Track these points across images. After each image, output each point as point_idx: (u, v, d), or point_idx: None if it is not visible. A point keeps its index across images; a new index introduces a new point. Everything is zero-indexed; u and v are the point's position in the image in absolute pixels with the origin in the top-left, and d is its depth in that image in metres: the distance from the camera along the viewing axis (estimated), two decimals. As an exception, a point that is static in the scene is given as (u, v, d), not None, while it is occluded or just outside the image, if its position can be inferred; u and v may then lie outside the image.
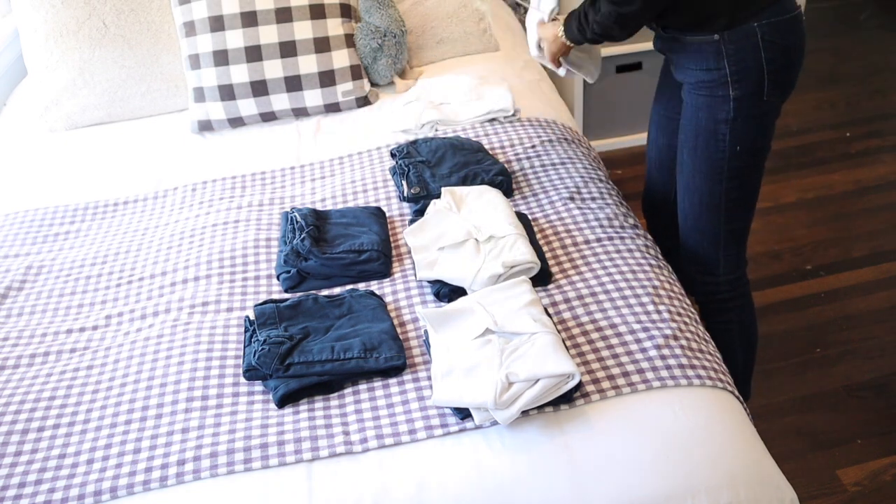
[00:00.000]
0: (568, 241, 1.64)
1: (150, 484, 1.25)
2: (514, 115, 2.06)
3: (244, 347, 1.45)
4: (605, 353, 1.38)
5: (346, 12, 2.22)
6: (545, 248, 1.62)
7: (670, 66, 1.69)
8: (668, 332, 1.41)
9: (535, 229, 1.67)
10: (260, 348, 1.39)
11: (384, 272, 1.61)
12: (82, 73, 2.22)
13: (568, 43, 1.70)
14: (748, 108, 1.54)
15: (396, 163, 1.86)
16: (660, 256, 1.65)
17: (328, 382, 1.37)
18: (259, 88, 2.14)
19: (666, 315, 1.45)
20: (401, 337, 1.46)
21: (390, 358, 1.38)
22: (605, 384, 1.33)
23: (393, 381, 1.38)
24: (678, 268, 1.82)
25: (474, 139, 1.96)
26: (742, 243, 1.73)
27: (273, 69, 2.13)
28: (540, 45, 1.78)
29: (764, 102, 1.55)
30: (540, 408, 1.29)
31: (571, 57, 1.79)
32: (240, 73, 2.13)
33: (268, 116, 2.19)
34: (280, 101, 2.16)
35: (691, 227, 1.71)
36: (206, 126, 2.19)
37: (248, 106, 2.16)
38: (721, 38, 1.50)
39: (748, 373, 1.91)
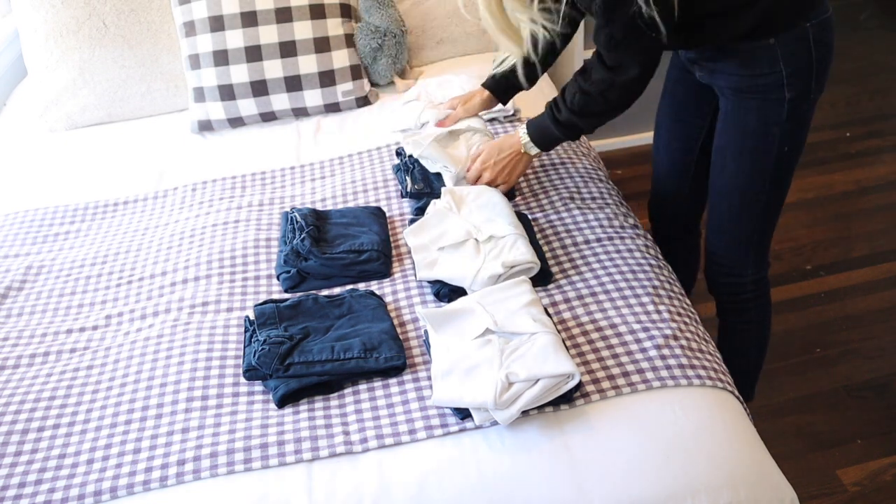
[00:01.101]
0: (568, 241, 1.64)
1: (150, 484, 1.25)
2: (514, 115, 2.06)
3: (244, 347, 1.45)
4: (605, 353, 1.38)
5: (346, 12, 2.22)
6: (545, 248, 1.62)
7: (693, 71, 1.66)
8: (668, 332, 1.41)
9: (535, 229, 1.67)
10: (260, 348, 1.39)
11: (384, 272, 1.61)
12: (82, 73, 2.22)
13: (532, 151, 1.66)
14: (799, 108, 1.53)
15: (401, 160, 1.86)
16: (660, 256, 1.65)
17: (328, 382, 1.37)
18: (259, 88, 2.14)
19: (666, 315, 1.45)
20: (401, 337, 1.46)
21: (390, 358, 1.38)
22: (605, 384, 1.33)
23: (393, 381, 1.38)
24: (684, 269, 1.82)
25: (474, 139, 1.96)
26: (769, 243, 1.73)
27: (273, 69, 2.13)
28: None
29: (810, 101, 1.54)
30: (540, 408, 1.29)
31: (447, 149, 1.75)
32: (240, 73, 2.13)
33: (268, 116, 2.19)
34: (280, 101, 2.16)
35: (725, 230, 1.69)
36: (206, 126, 2.19)
37: (248, 106, 2.16)
38: (776, 40, 1.48)
39: (756, 374, 1.91)
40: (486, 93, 1.86)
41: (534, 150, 1.67)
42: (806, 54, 1.49)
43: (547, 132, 1.63)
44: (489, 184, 1.70)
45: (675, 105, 1.80)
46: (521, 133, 1.66)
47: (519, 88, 1.82)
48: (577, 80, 1.55)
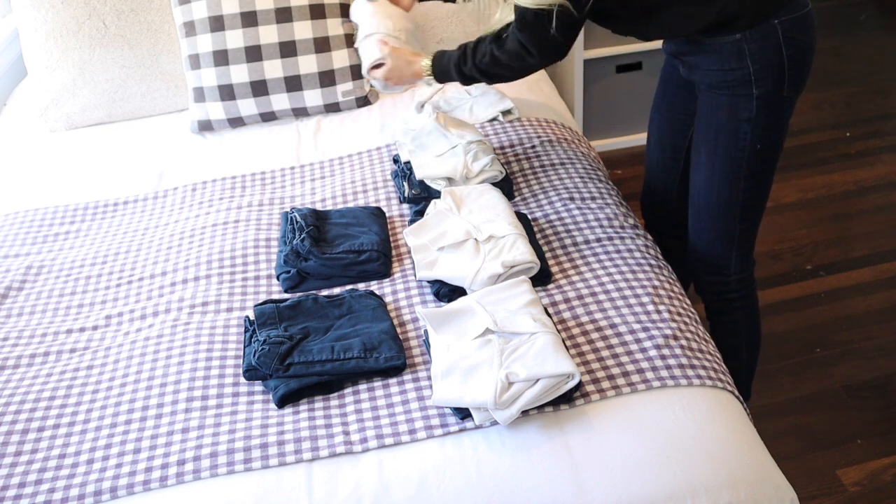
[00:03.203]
0: (568, 241, 1.64)
1: (150, 484, 1.25)
2: (510, 112, 2.07)
3: (244, 347, 1.45)
4: (605, 353, 1.38)
5: (347, 12, 2.22)
6: (545, 248, 1.62)
7: (678, 67, 1.68)
8: (668, 332, 1.41)
9: (535, 229, 1.67)
10: (260, 348, 1.39)
11: (384, 272, 1.61)
12: (82, 73, 2.22)
13: (428, 75, 1.78)
14: (769, 105, 1.54)
15: (398, 167, 1.86)
16: (660, 256, 1.65)
17: (328, 382, 1.37)
18: (259, 88, 2.14)
19: (666, 315, 1.45)
20: (401, 337, 1.46)
21: (390, 358, 1.38)
22: (605, 384, 1.33)
23: (393, 381, 1.38)
24: (679, 267, 1.82)
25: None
26: (752, 242, 1.73)
27: (273, 69, 2.13)
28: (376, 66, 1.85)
29: (784, 99, 1.55)
30: (540, 408, 1.29)
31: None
32: (240, 73, 2.13)
33: (268, 116, 2.19)
34: (280, 101, 2.16)
35: (705, 227, 1.70)
36: (206, 126, 2.19)
37: (248, 106, 2.16)
38: (743, 36, 1.49)
39: (751, 373, 1.90)
40: None
41: (426, 66, 1.78)
42: (775, 51, 1.50)
43: (447, 73, 1.74)
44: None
45: (665, 102, 1.82)
46: (426, 64, 1.78)
47: None
48: (492, 45, 1.63)
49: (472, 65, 1.67)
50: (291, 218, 1.71)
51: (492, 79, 1.70)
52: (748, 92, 1.53)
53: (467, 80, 1.73)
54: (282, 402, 1.35)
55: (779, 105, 1.55)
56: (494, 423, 1.28)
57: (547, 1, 1.45)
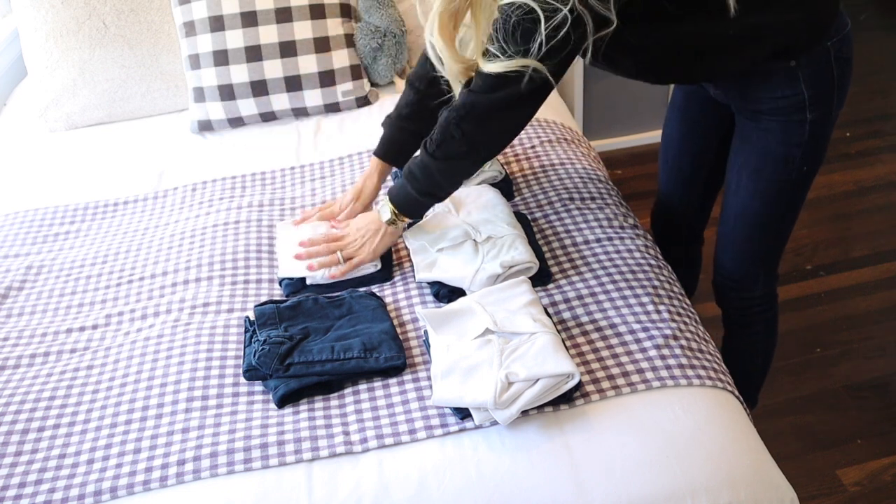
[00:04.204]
0: (568, 242, 1.64)
1: (150, 484, 1.25)
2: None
3: (244, 348, 1.45)
4: (605, 353, 1.38)
5: (346, 12, 2.22)
6: (545, 248, 1.62)
7: (707, 87, 1.62)
8: (668, 332, 1.41)
9: (535, 229, 1.67)
10: (260, 348, 1.39)
11: (385, 278, 1.61)
12: (82, 73, 2.23)
13: (385, 216, 1.50)
14: (821, 127, 1.49)
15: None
16: (660, 256, 1.65)
17: (328, 382, 1.37)
18: (259, 88, 2.14)
19: (666, 315, 1.45)
20: (401, 337, 1.46)
21: (390, 358, 1.38)
22: (605, 384, 1.33)
23: (393, 381, 1.38)
24: (686, 275, 1.80)
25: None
26: (779, 258, 1.71)
27: (273, 69, 2.13)
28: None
29: (832, 118, 1.51)
30: (540, 408, 1.29)
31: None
32: (240, 73, 2.13)
33: (268, 116, 2.19)
34: (280, 101, 2.16)
35: (738, 249, 1.67)
36: (206, 126, 2.19)
37: (248, 106, 2.16)
38: (797, 63, 1.43)
39: (761, 381, 1.90)
40: (379, 164, 1.68)
41: (387, 216, 1.53)
42: (828, 74, 1.45)
43: (402, 190, 1.48)
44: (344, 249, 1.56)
45: (686, 121, 1.76)
46: (382, 205, 1.53)
47: (417, 138, 1.56)
48: (461, 95, 1.39)
49: (424, 155, 1.40)
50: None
51: (446, 163, 1.41)
52: (802, 118, 1.47)
53: (425, 184, 1.44)
54: (282, 402, 1.35)
55: (828, 124, 1.51)
56: (494, 423, 1.28)
57: (520, 63, 1.25)
